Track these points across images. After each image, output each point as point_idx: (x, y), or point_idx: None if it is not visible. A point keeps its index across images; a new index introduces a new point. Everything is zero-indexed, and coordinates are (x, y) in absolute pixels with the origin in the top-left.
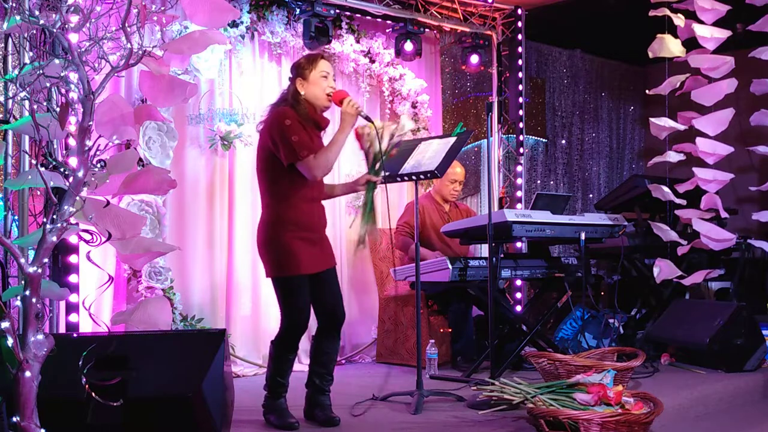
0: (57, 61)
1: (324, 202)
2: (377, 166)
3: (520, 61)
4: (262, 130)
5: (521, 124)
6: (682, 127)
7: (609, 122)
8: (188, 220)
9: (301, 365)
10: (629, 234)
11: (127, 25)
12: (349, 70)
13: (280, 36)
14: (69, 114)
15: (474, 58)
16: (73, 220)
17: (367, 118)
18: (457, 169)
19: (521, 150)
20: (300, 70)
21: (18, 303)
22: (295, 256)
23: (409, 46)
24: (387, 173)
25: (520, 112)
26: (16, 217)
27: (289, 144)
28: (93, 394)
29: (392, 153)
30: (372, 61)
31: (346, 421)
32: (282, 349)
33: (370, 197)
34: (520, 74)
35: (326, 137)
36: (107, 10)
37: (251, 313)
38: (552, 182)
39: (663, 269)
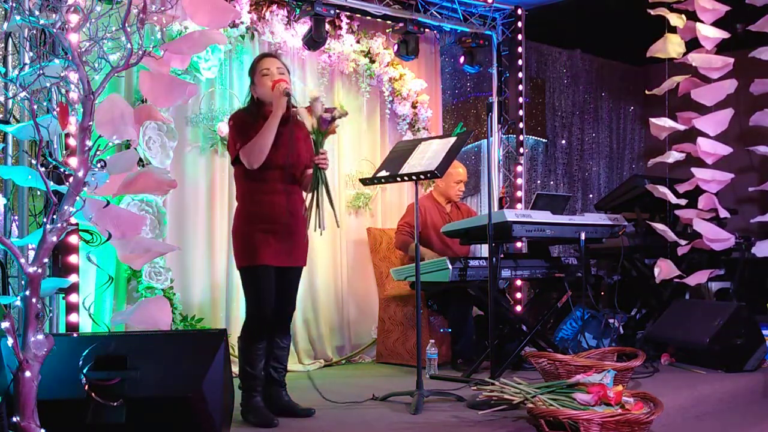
0: (57, 61)
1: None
2: (315, 146)
3: (520, 61)
4: None
5: (521, 124)
6: (682, 127)
7: (609, 122)
8: (188, 220)
9: (302, 365)
10: (629, 234)
11: (127, 25)
12: (349, 70)
13: (280, 36)
14: (69, 114)
15: (462, 58)
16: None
17: (287, 94)
18: (459, 170)
19: (521, 150)
20: (250, 75)
21: (18, 303)
22: (255, 247)
23: (401, 46)
24: (386, 173)
25: (520, 112)
26: (15, 217)
27: (230, 141)
28: (93, 394)
29: (331, 129)
30: (372, 61)
31: (347, 420)
32: (248, 339)
33: (316, 177)
34: (520, 74)
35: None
36: (107, 10)
37: None
38: (552, 182)
39: (663, 269)
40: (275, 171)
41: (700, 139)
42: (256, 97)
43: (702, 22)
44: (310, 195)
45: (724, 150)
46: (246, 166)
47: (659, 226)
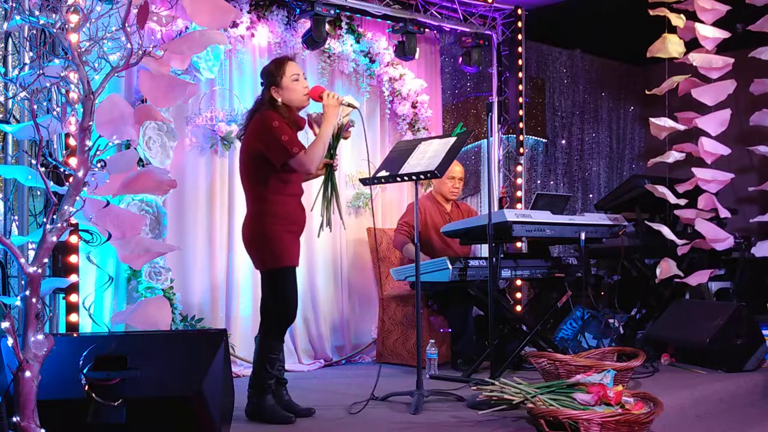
0: (57, 61)
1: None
2: (330, 150)
3: (520, 61)
4: (248, 135)
5: (521, 124)
6: (682, 127)
7: (609, 122)
8: (188, 220)
9: (302, 365)
10: (629, 234)
11: (127, 25)
12: (349, 70)
13: (280, 36)
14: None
15: (461, 58)
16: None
17: (351, 105)
18: (455, 168)
19: (521, 150)
20: (271, 78)
21: (18, 303)
22: (286, 248)
23: (401, 46)
24: (386, 173)
25: (520, 112)
26: (15, 217)
27: (280, 144)
28: (93, 394)
29: (346, 135)
30: (372, 61)
31: (346, 420)
32: (271, 341)
33: (328, 180)
34: (520, 74)
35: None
36: (107, 10)
37: (251, 313)
38: (552, 182)
39: (665, 269)
40: (298, 173)
41: (703, 139)
42: (282, 101)
43: (702, 22)
44: (321, 196)
45: (725, 150)
46: (303, 172)
47: (659, 226)
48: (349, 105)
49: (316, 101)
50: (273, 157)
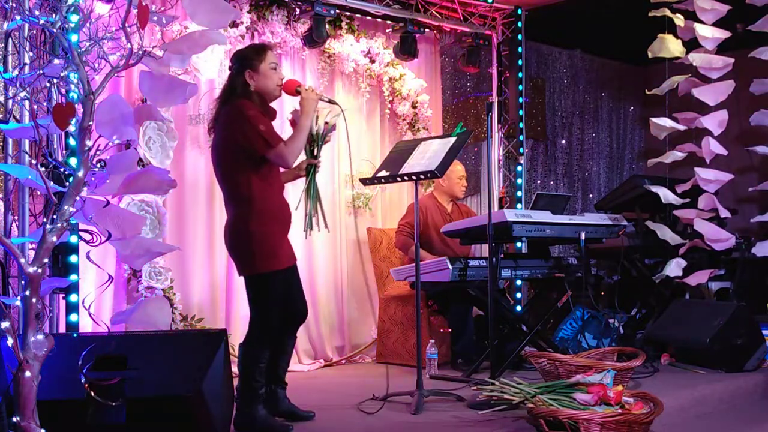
0: (57, 61)
1: (324, 203)
2: (314, 149)
3: (520, 61)
4: (222, 126)
5: (521, 124)
6: (682, 127)
7: (609, 122)
8: (188, 220)
9: (302, 365)
10: (629, 234)
11: (127, 25)
12: (349, 70)
13: (280, 36)
14: (71, 115)
15: (462, 58)
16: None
17: (331, 101)
18: (457, 167)
19: (521, 150)
20: (248, 62)
21: (18, 303)
22: (276, 250)
23: (401, 46)
24: (386, 173)
25: (520, 112)
26: (15, 217)
27: (259, 134)
28: (93, 394)
29: (327, 139)
30: (372, 61)
31: (346, 420)
32: (257, 348)
33: (311, 181)
34: (520, 74)
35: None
36: (108, 10)
37: None
38: (552, 182)
39: (674, 268)
40: (280, 170)
41: (710, 140)
42: (256, 88)
43: (702, 22)
44: (304, 199)
45: (722, 150)
46: (281, 165)
47: (659, 226)
48: (329, 101)
49: (291, 95)
50: (252, 147)
